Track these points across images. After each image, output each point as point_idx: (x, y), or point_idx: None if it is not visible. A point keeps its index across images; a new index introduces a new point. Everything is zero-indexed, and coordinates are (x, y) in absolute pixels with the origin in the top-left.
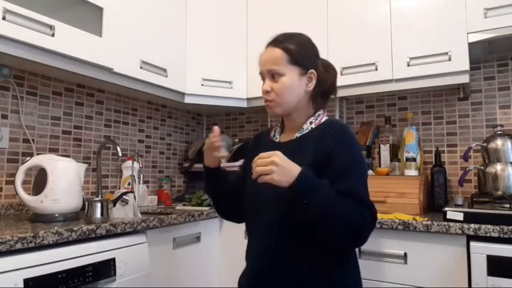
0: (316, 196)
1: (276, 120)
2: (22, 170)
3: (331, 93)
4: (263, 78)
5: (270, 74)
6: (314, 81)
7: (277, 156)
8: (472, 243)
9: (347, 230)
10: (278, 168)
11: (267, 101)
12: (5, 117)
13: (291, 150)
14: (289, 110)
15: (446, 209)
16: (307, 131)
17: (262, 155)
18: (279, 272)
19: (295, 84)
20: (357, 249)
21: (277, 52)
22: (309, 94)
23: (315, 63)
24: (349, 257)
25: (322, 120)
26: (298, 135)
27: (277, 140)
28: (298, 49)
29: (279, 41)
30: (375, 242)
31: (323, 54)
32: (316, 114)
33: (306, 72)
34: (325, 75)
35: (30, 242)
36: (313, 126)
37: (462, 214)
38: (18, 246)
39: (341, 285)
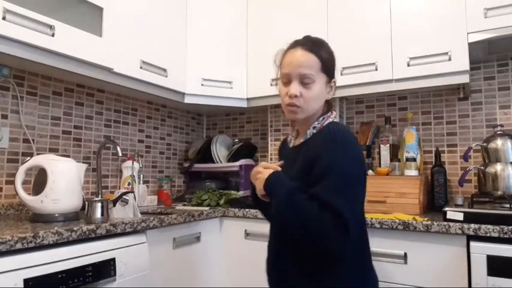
0: (276, 196)
1: (276, 120)
2: (22, 170)
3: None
4: (287, 80)
5: (301, 79)
6: (334, 90)
7: (256, 167)
8: (472, 243)
9: (302, 232)
10: (258, 179)
11: (292, 105)
12: (5, 117)
13: (293, 156)
14: (309, 117)
15: (446, 209)
16: (309, 136)
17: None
18: (281, 268)
19: (322, 93)
20: None
21: (312, 58)
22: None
23: (335, 72)
24: (347, 261)
25: (324, 124)
26: (302, 140)
27: (291, 145)
28: (328, 58)
29: (312, 46)
30: (375, 242)
31: None
32: (320, 119)
33: (329, 80)
34: None
35: (30, 242)
36: (314, 131)
37: (462, 214)
38: (18, 246)
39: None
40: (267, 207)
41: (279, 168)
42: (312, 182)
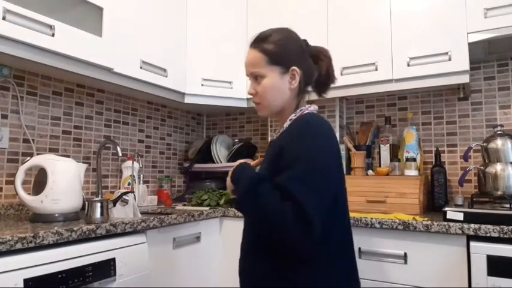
0: (237, 188)
1: (276, 120)
2: (22, 170)
3: (329, 81)
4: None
5: (253, 77)
6: (298, 78)
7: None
8: (472, 243)
9: (264, 225)
10: (228, 177)
11: (254, 103)
12: (5, 117)
13: (268, 151)
14: (276, 111)
15: (446, 209)
16: (285, 128)
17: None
18: (246, 267)
19: (277, 84)
20: (356, 249)
21: (256, 54)
22: (295, 91)
23: (298, 59)
24: (316, 261)
25: (302, 115)
26: (278, 134)
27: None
28: (276, 48)
29: (257, 42)
30: (375, 242)
31: None
32: (298, 111)
33: (287, 70)
34: (318, 65)
35: (30, 242)
36: (290, 123)
37: (462, 214)
38: (18, 246)
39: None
40: None
41: (249, 162)
42: (279, 173)
